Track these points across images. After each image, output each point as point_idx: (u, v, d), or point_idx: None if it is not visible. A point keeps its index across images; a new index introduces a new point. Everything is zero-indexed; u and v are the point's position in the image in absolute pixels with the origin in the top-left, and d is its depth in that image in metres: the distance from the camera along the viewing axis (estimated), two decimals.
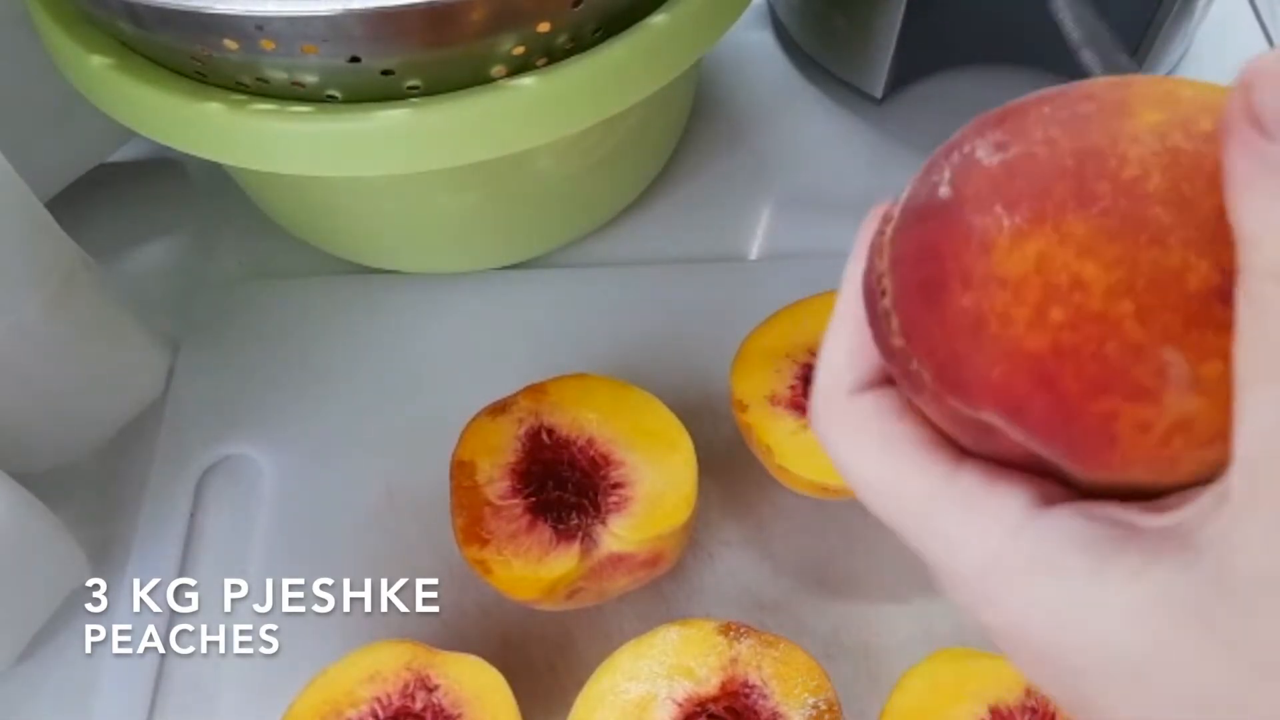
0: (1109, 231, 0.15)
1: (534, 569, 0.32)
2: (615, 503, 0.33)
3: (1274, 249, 0.13)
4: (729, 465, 0.39)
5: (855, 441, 0.18)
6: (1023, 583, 0.16)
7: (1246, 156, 0.14)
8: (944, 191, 0.16)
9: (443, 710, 0.30)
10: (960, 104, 0.51)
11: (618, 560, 0.33)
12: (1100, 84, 0.16)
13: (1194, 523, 0.15)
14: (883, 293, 0.17)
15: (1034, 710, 0.30)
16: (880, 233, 0.18)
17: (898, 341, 0.17)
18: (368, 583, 0.37)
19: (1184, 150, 0.15)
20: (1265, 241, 0.13)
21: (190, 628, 0.37)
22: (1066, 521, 0.16)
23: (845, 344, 0.19)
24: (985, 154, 0.16)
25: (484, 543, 0.33)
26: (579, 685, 0.31)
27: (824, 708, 0.30)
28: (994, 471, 0.17)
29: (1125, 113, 0.16)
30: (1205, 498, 0.15)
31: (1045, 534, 0.16)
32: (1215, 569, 0.14)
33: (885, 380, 0.19)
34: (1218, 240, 0.14)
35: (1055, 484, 0.17)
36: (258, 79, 0.32)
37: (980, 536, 0.16)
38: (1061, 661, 0.16)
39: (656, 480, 0.34)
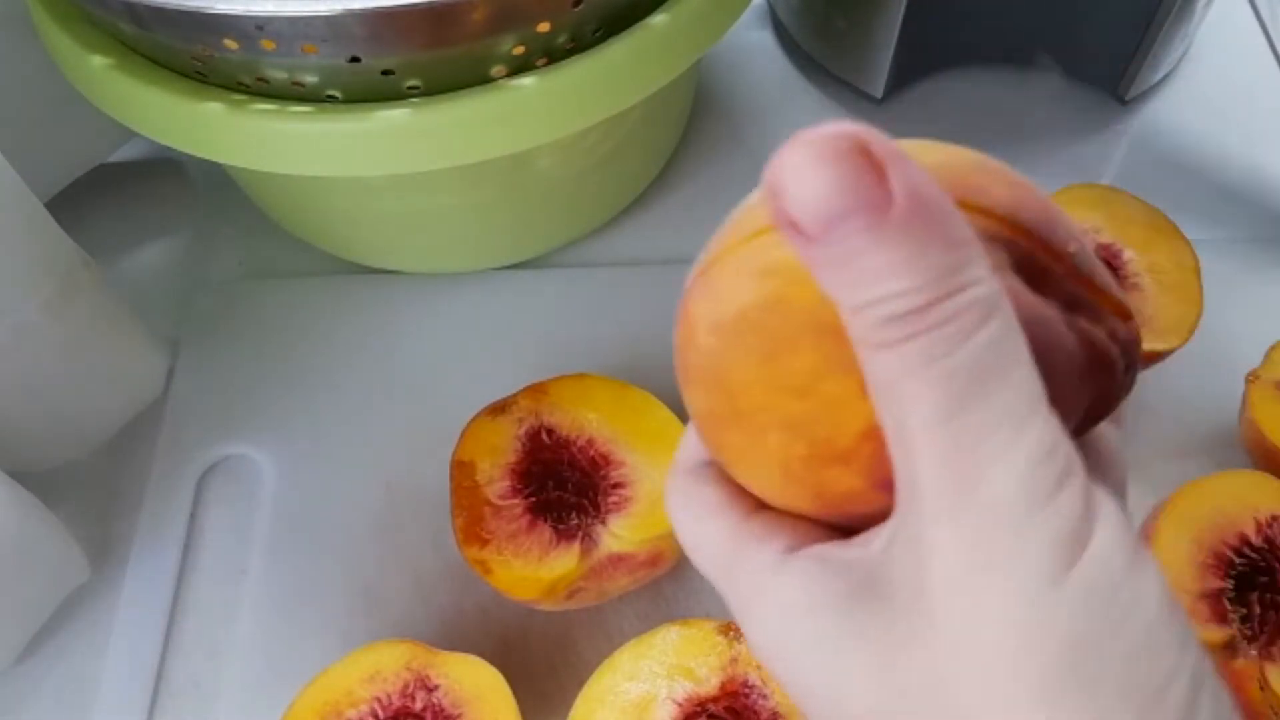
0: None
1: (534, 569, 0.32)
2: (615, 503, 0.33)
3: (862, 317, 0.15)
4: None
5: (678, 507, 0.21)
6: (759, 620, 0.18)
7: (804, 253, 0.15)
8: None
9: (443, 710, 0.30)
10: (960, 104, 0.51)
11: (618, 560, 0.33)
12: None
13: (874, 553, 0.17)
14: None
15: None
16: None
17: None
18: (368, 582, 0.37)
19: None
20: (848, 306, 0.15)
21: (191, 627, 0.37)
22: (799, 564, 0.18)
23: (687, 435, 0.22)
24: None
25: (484, 543, 0.33)
26: (579, 685, 0.31)
27: None
28: (771, 523, 0.19)
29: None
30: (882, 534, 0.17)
31: (782, 577, 0.18)
32: (884, 590, 0.16)
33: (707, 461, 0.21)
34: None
35: (815, 528, 0.19)
36: (258, 79, 0.32)
37: (741, 583, 0.19)
38: (791, 685, 0.18)
39: (657, 480, 0.34)
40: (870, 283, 0.14)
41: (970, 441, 0.14)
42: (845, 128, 0.14)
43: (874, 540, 0.17)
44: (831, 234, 0.14)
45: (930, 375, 0.14)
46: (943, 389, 0.14)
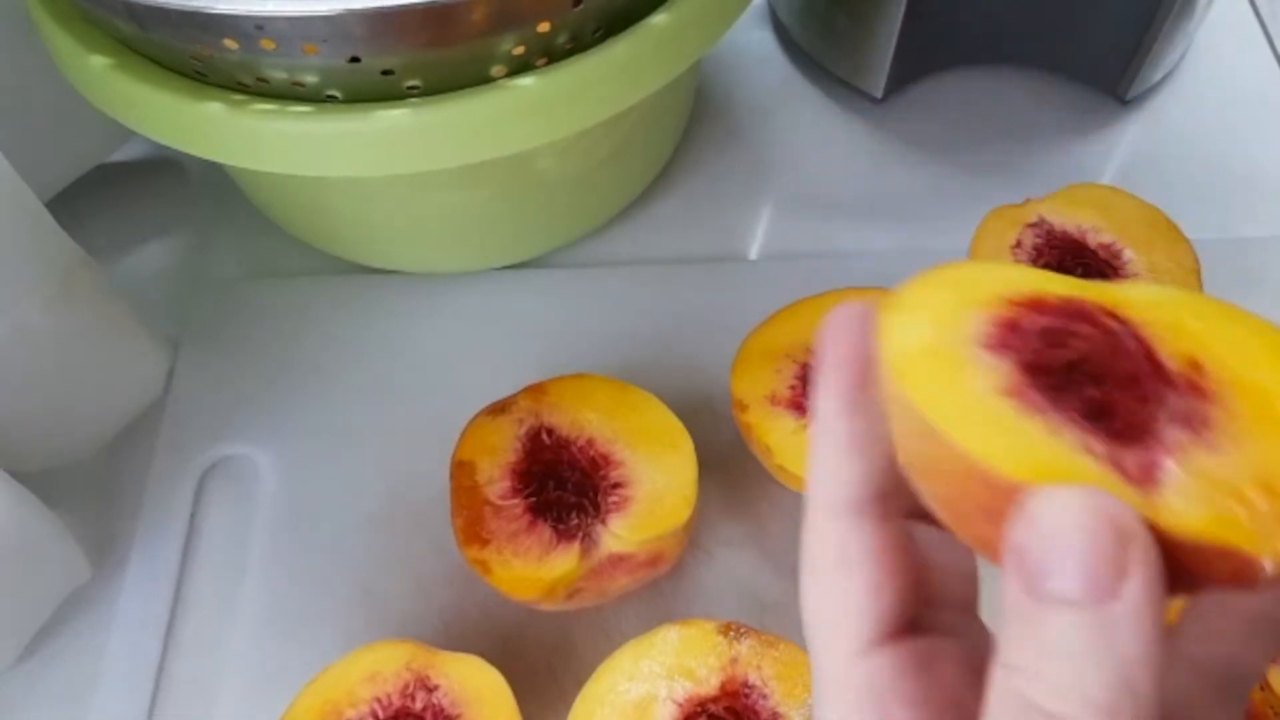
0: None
1: (534, 569, 0.32)
2: (615, 503, 0.33)
3: (1022, 682, 0.14)
4: (729, 465, 0.39)
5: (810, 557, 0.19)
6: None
7: (1017, 590, 0.14)
8: None
9: (442, 710, 0.30)
10: (960, 104, 0.51)
11: (618, 560, 0.33)
12: None
13: None
14: None
15: None
16: None
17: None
18: (368, 583, 0.37)
19: None
20: (1012, 663, 0.14)
21: (191, 627, 0.37)
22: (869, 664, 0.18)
23: (828, 463, 0.19)
24: None
25: (484, 543, 0.33)
26: (579, 685, 0.31)
27: None
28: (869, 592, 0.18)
29: None
30: None
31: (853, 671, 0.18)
32: None
33: (871, 502, 0.19)
34: None
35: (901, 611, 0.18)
36: (258, 79, 0.32)
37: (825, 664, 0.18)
38: None
39: (657, 480, 0.34)
40: (1051, 655, 0.14)
41: None
42: (1113, 506, 0.14)
43: None
44: (1049, 601, 0.14)
45: None
46: None
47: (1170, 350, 0.17)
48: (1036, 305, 0.18)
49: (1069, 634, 0.13)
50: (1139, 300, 0.18)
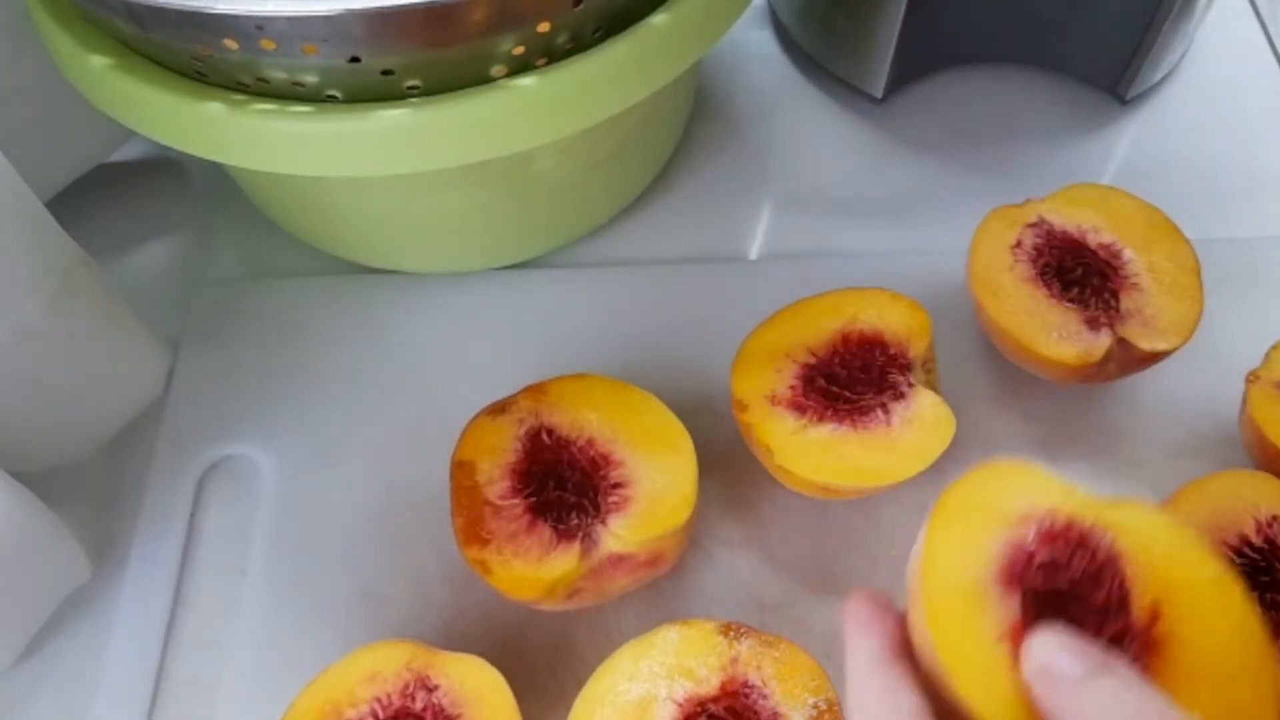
0: None
1: (534, 569, 0.32)
2: (615, 503, 0.33)
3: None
4: (729, 465, 0.39)
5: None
6: None
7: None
8: None
9: (443, 710, 0.30)
10: (960, 104, 0.51)
11: (618, 560, 0.33)
12: None
13: None
14: None
15: None
16: None
17: None
18: (368, 583, 0.37)
19: None
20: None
21: (191, 627, 0.37)
22: None
23: (889, 700, 0.23)
24: None
25: (484, 543, 0.33)
26: (579, 685, 0.31)
27: (824, 708, 0.30)
28: None
29: None
30: None
31: None
32: None
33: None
34: None
35: None
36: (258, 79, 0.32)
37: None
38: None
39: (657, 480, 0.34)
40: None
41: None
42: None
43: None
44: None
45: None
46: None
47: (1141, 588, 0.22)
48: (1048, 532, 0.23)
49: (1105, 690, 0.20)
50: (1131, 527, 0.23)
